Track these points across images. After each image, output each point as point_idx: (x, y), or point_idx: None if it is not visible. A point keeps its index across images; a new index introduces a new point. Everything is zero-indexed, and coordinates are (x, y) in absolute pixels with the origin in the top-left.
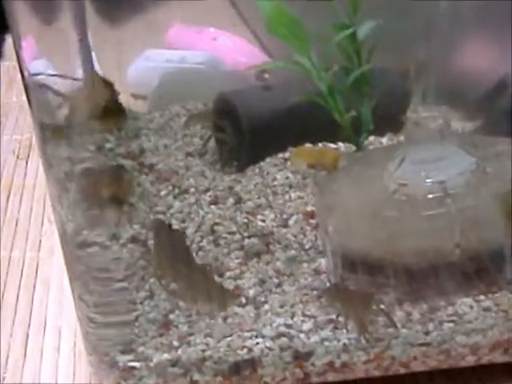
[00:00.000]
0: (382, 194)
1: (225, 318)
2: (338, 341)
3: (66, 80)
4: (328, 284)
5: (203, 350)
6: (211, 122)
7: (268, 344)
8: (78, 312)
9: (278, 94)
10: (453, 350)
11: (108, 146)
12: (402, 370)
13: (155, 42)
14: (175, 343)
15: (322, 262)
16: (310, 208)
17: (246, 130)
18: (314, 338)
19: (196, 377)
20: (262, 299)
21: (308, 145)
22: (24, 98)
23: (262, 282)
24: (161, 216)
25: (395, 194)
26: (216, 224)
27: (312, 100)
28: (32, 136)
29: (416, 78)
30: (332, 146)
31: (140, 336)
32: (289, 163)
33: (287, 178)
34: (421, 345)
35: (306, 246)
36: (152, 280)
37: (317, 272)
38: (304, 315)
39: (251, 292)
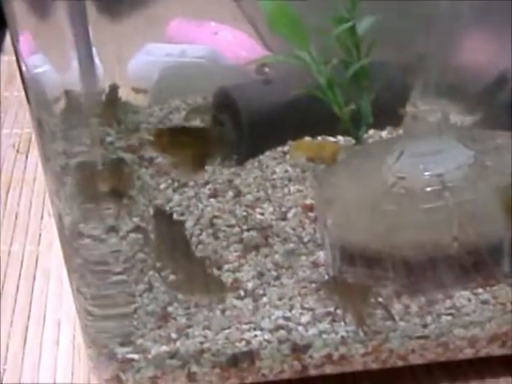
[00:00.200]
0: (381, 187)
1: (223, 311)
2: (336, 333)
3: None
4: (326, 277)
5: (201, 343)
6: (211, 116)
7: (266, 336)
8: (76, 305)
9: (277, 88)
10: (451, 343)
11: (108, 139)
12: (400, 363)
13: (156, 36)
14: (173, 335)
15: (321, 255)
16: (308, 201)
17: (246, 124)
18: (312, 331)
19: (194, 369)
20: (261, 292)
21: (307, 138)
22: None
23: (261, 274)
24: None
25: (394, 187)
26: (215, 217)
27: (311, 93)
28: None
29: (416, 72)
30: (331, 139)
31: (139, 328)
32: (288, 156)
33: (286, 171)
34: (419, 337)
35: (305, 239)
36: (151, 273)
37: (315, 265)
38: (302, 308)
39: (250, 285)
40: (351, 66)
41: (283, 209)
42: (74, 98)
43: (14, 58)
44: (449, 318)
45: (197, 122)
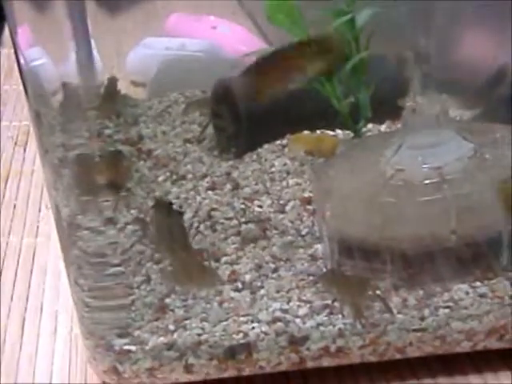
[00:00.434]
0: (379, 179)
1: (221, 303)
2: (334, 326)
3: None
4: (324, 269)
5: (199, 334)
6: (209, 109)
7: (264, 329)
8: (74, 296)
9: None
10: (448, 336)
11: (107, 132)
12: (398, 356)
13: (155, 30)
14: (171, 327)
15: (319, 248)
16: (307, 194)
17: (244, 117)
18: (310, 323)
19: (191, 360)
20: (258, 284)
21: (306, 132)
22: None
23: (259, 267)
24: None
25: (392, 180)
26: (213, 209)
27: (310, 87)
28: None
29: (415, 66)
30: (330, 133)
31: (136, 320)
32: (286, 150)
33: (285, 164)
34: (416, 330)
35: (303, 232)
36: (149, 264)
37: (313, 258)
38: (300, 300)
39: (247, 277)
40: (350, 59)
41: (281, 202)
42: (71, 91)
43: (13, 51)
44: (446, 311)
45: (196, 116)
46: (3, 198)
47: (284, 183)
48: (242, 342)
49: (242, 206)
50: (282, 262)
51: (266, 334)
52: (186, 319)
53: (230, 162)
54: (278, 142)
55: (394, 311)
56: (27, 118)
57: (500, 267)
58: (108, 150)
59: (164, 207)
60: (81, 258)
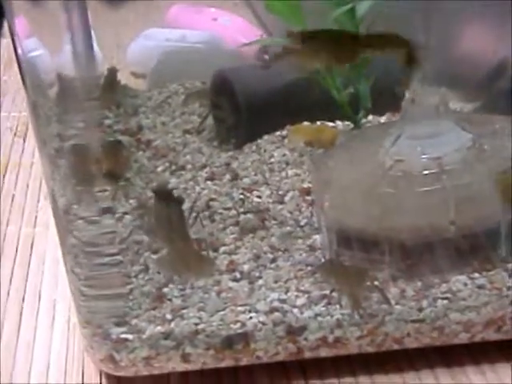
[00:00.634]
0: (378, 170)
1: (219, 293)
2: (332, 316)
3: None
4: (322, 260)
5: (196, 324)
6: (209, 100)
7: (261, 318)
8: (71, 286)
9: (275, 72)
10: (446, 327)
11: (107, 122)
12: (396, 347)
13: (155, 22)
14: (168, 316)
15: (317, 239)
16: (306, 185)
17: (244, 108)
18: (308, 313)
19: (188, 350)
20: (257, 274)
21: (305, 122)
22: None
23: (257, 257)
24: None
25: (391, 170)
26: (212, 200)
27: (310, 77)
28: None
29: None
30: (330, 124)
31: (134, 309)
32: (286, 141)
33: (284, 155)
34: (414, 321)
35: (302, 223)
36: (147, 254)
37: (312, 248)
38: (298, 290)
39: (246, 267)
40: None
41: (280, 192)
42: (67, 82)
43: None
44: (445, 302)
45: (195, 106)
46: (2, 189)
47: (283, 174)
48: (239, 331)
49: (241, 197)
50: (280, 253)
51: (263, 324)
52: (184, 308)
53: (230, 153)
54: (278, 132)
55: (392, 302)
56: (26, 109)
57: (498, 258)
58: (107, 140)
59: (164, 194)
60: (79, 248)
